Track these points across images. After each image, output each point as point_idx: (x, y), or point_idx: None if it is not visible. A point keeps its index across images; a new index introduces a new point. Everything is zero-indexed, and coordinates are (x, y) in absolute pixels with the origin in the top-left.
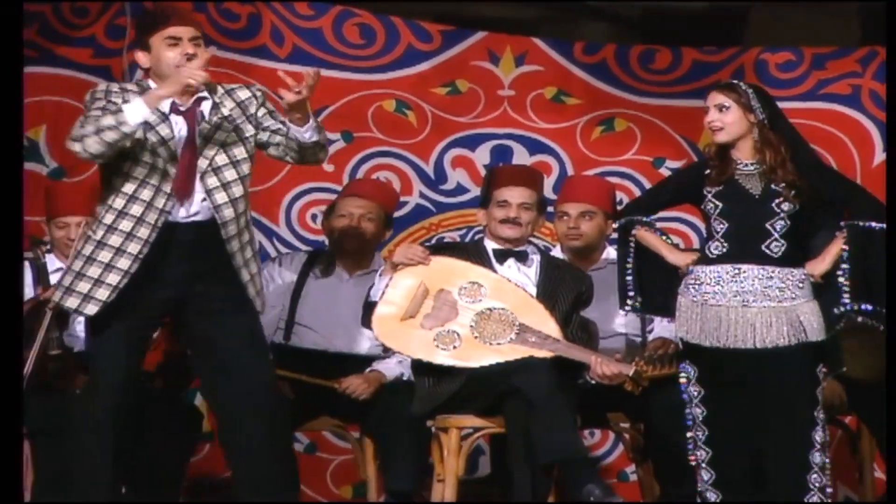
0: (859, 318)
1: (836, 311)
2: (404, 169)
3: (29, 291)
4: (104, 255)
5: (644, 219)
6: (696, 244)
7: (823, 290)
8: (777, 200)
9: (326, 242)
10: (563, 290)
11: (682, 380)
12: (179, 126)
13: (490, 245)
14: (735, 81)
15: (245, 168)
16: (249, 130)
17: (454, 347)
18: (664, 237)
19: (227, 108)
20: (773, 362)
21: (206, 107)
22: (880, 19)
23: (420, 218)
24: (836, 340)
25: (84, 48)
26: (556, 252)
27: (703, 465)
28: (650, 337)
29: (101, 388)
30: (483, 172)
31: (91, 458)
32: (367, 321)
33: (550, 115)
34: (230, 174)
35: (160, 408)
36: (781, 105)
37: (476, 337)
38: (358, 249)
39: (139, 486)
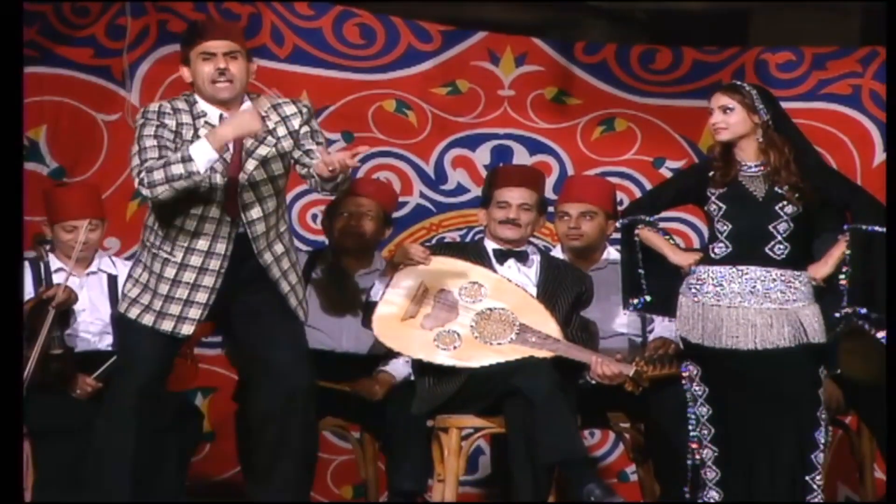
0: (858, 322)
1: (836, 314)
2: (404, 169)
3: (30, 290)
4: (188, 276)
5: (647, 218)
6: (696, 244)
7: (825, 293)
8: (780, 203)
9: (327, 242)
10: (564, 290)
11: (685, 379)
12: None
13: (490, 245)
14: (739, 83)
15: (281, 183)
16: (289, 146)
17: (454, 347)
18: (667, 237)
19: (272, 121)
20: (774, 363)
21: None
22: (880, 19)
23: (420, 218)
24: (835, 342)
25: (84, 48)
26: (557, 252)
27: (709, 463)
28: (650, 337)
29: (125, 384)
30: (483, 172)
31: (111, 454)
32: (367, 321)
33: (551, 115)
34: (266, 189)
35: (160, 408)
36: (782, 105)
37: (476, 337)
38: (358, 248)
39: (140, 487)
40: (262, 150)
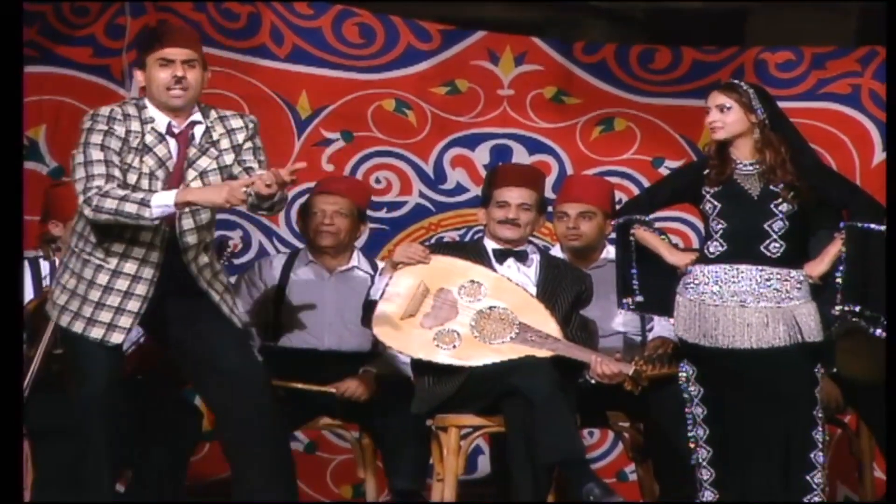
0: (853, 320)
1: (832, 312)
2: (404, 168)
3: (30, 290)
4: (121, 284)
5: (643, 218)
6: (695, 244)
7: (821, 291)
8: (775, 201)
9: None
10: (563, 289)
11: (682, 378)
12: (174, 148)
13: (490, 245)
14: (736, 81)
15: None
16: (230, 160)
17: (454, 346)
18: (663, 237)
19: (217, 133)
20: (770, 362)
21: (198, 131)
22: (879, 19)
23: (420, 218)
24: (832, 341)
25: (84, 48)
26: (556, 252)
27: (704, 463)
28: (650, 336)
29: (83, 395)
30: (483, 172)
31: (84, 458)
32: (367, 320)
33: (550, 115)
34: None
35: (160, 408)
36: (781, 105)
37: (476, 336)
38: (333, 246)
39: (140, 487)
40: (203, 162)
